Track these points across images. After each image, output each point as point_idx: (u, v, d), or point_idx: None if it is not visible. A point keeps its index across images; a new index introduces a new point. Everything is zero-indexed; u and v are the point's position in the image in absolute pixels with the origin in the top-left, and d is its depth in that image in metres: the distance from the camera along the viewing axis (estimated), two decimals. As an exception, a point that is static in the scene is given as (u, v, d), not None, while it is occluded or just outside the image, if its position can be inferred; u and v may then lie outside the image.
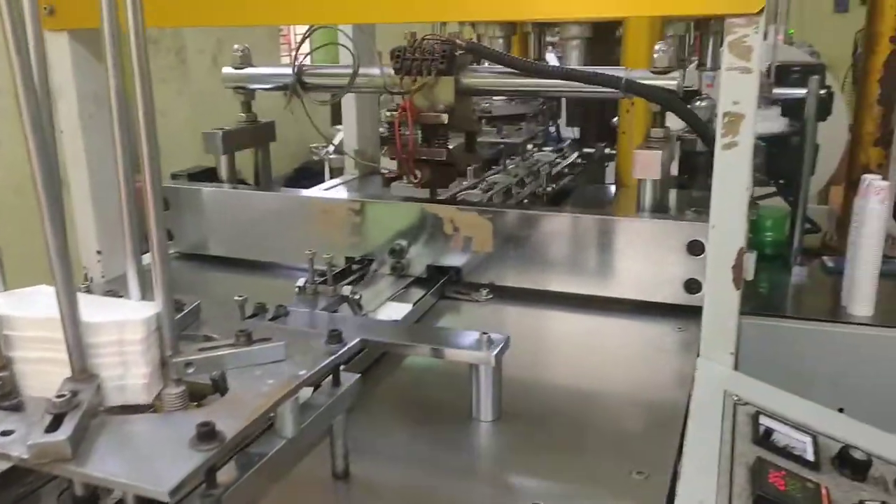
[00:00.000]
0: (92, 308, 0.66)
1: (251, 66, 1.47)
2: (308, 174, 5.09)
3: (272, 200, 1.40)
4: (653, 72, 1.14)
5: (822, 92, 1.94)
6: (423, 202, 1.28)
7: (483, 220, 1.24)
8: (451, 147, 1.26)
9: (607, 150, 2.19)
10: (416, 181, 1.28)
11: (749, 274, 1.00)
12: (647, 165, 1.14)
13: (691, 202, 1.44)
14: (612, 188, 2.00)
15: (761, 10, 0.89)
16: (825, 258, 2.13)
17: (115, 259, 1.37)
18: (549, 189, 1.70)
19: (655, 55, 1.13)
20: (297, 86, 1.37)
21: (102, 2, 0.68)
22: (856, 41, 4.81)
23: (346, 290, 1.09)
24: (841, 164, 2.77)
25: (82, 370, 0.64)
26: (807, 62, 2.08)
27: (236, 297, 0.92)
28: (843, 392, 1.74)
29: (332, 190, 1.91)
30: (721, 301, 1.00)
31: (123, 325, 0.65)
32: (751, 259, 1.00)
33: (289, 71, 1.38)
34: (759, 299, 1.77)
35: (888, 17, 2.03)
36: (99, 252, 1.35)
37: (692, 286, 1.14)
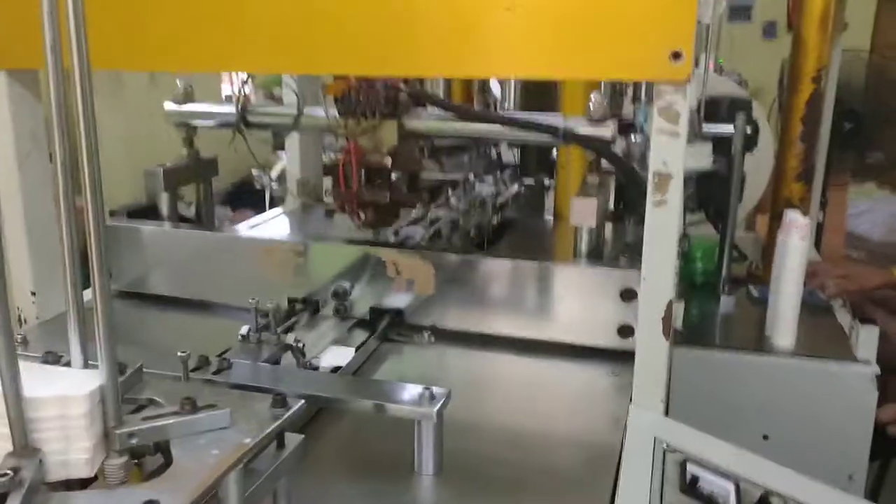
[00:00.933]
0: (34, 379, 0.66)
1: (194, 101, 1.47)
2: (247, 190, 5.04)
3: (214, 240, 1.40)
4: (588, 121, 1.19)
5: (749, 129, 2.04)
6: (366, 244, 1.30)
7: (425, 264, 1.26)
8: (394, 187, 1.29)
9: (546, 182, 2.24)
10: (359, 222, 1.30)
11: (678, 323, 1.05)
12: (583, 214, 1.19)
13: (626, 242, 1.50)
14: (551, 220, 2.05)
15: (688, 79, 0.95)
16: (751, 287, 2.23)
17: (50, 298, 1.35)
18: (491, 223, 1.74)
19: (591, 105, 1.18)
20: (241, 124, 1.38)
21: (46, 44, 0.68)
22: (782, 68, 5.03)
23: (290, 338, 1.10)
24: (767, 190, 2.90)
25: (24, 445, 0.64)
26: (735, 95, 2.17)
27: (179, 353, 0.92)
28: (768, 420, 1.83)
29: (275, 221, 1.92)
30: (652, 351, 1.04)
31: (66, 401, 0.65)
32: (679, 308, 1.05)
33: (232, 109, 1.39)
34: (690, 329, 1.85)
35: (811, 58, 2.15)
36: (34, 293, 1.33)
37: (625, 331, 1.19)
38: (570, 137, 1.18)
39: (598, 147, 1.18)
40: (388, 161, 1.23)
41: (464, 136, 1.36)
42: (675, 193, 0.98)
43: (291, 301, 1.35)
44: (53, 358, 0.82)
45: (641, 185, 1.16)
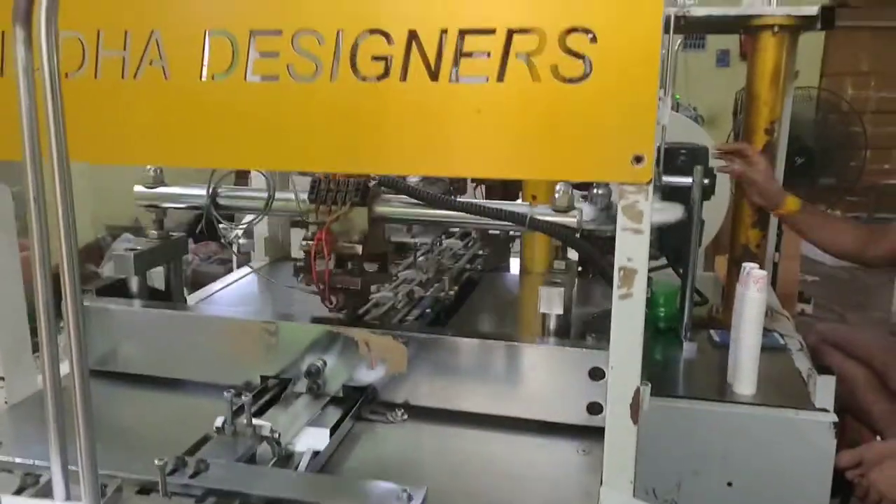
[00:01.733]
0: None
1: (164, 185, 1.47)
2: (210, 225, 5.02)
3: (184, 319, 1.40)
4: (554, 210, 1.22)
5: (706, 181, 2.10)
6: (338, 325, 1.32)
7: (396, 344, 1.28)
8: (364, 272, 1.31)
9: (511, 233, 2.28)
10: (331, 306, 1.32)
11: (645, 406, 1.08)
12: (551, 302, 1.22)
13: (592, 314, 1.54)
14: (517, 276, 2.09)
15: (650, 181, 0.99)
16: (712, 332, 2.30)
17: (18, 382, 1.34)
18: (456, 284, 1.77)
19: (556, 194, 1.22)
20: (212, 207, 1.39)
21: (24, 136, 0.69)
22: (737, 100, 5.19)
23: (265, 429, 1.11)
24: (725, 223, 2.99)
25: None
26: (691, 145, 2.24)
27: (157, 461, 0.92)
28: (732, 467, 1.89)
29: (244, 282, 1.92)
30: (621, 434, 1.08)
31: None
32: (646, 392, 1.09)
33: (202, 192, 1.39)
34: (654, 378, 1.90)
35: (763, 112, 2.23)
36: (2, 378, 1.32)
37: (594, 408, 1.22)
38: (536, 225, 1.21)
39: (563, 235, 1.22)
40: (359, 249, 1.25)
41: (433, 221, 1.38)
42: (640, 286, 1.02)
43: (264, 378, 1.36)
44: (32, 480, 0.82)
45: (607, 272, 1.20)
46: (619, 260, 1.02)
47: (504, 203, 1.25)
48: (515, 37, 0.98)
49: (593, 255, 1.23)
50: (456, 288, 1.75)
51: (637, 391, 1.06)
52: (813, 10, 2.12)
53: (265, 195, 1.36)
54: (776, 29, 2.15)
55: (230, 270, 2.33)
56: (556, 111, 0.99)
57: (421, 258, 1.81)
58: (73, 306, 0.71)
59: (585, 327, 1.32)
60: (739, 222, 2.37)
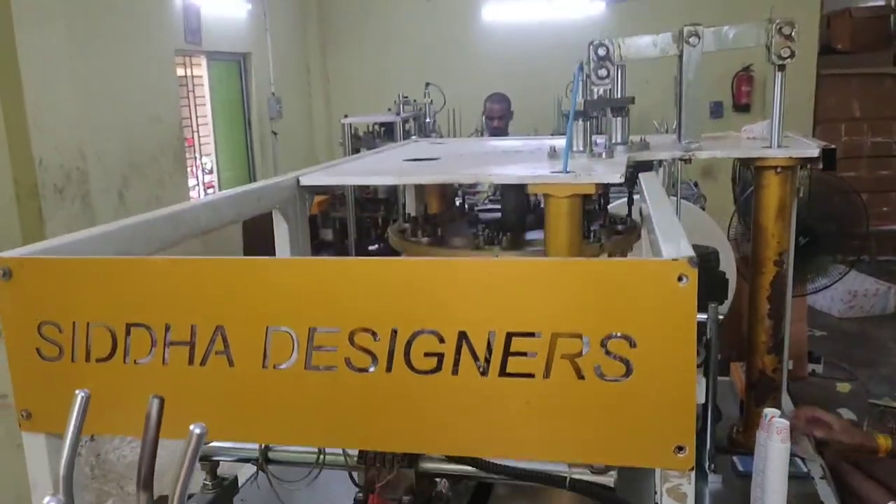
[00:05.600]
0: None
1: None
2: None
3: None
4: (592, 472, 1.31)
5: (717, 311, 2.16)
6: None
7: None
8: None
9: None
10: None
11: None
12: None
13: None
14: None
15: (692, 468, 1.06)
16: (735, 459, 2.35)
17: None
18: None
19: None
20: (264, 462, 1.44)
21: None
22: (734, 167, 5.28)
23: None
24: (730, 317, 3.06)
25: None
26: (702, 249, 2.27)
27: None
28: None
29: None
30: None
31: None
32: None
33: (255, 446, 1.45)
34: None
35: (771, 244, 2.31)
36: None
37: None
38: (577, 487, 1.30)
39: (601, 495, 1.31)
40: (408, 504, 1.32)
41: (477, 479, 1.45)
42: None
43: None
44: None
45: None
46: (667, 528, 1.09)
47: (544, 465, 1.32)
48: (559, 340, 1.06)
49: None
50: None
51: None
52: (815, 152, 2.20)
53: (315, 450, 1.41)
54: (779, 169, 2.24)
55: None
56: (600, 405, 1.07)
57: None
58: None
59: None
60: (754, 347, 2.43)
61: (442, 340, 1.10)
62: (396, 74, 8.12)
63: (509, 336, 1.08)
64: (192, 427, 0.71)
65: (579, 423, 1.08)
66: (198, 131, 7.08)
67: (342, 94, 8.82)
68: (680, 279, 1.02)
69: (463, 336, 1.09)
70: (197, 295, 1.17)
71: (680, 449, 1.05)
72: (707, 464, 2.31)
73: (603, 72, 1.82)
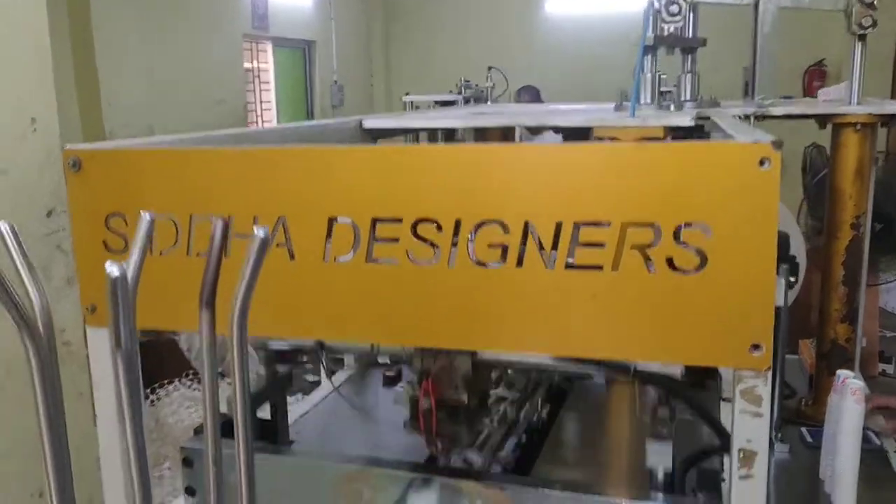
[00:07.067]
0: None
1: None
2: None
3: (280, 462, 1.44)
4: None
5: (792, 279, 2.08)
6: (436, 473, 1.32)
7: (503, 496, 1.30)
8: (468, 415, 1.34)
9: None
10: (436, 451, 1.36)
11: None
12: (660, 457, 1.23)
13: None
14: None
15: (769, 368, 1.00)
16: (804, 430, 2.25)
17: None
18: (548, 402, 1.78)
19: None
20: (320, 350, 1.44)
21: None
22: (805, 156, 5.10)
23: None
24: (801, 297, 2.94)
25: None
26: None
27: None
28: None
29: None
30: None
31: None
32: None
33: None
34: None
35: (848, 206, 2.21)
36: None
37: (708, 572, 1.22)
38: (641, 376, 1.23)
39: (670, 386, 1.24)
40: (465, 399, 1.29)
41: (537, 367, 1.41)
42: (761, 469, 1.03)
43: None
44: None
45: (721, 432, 1.21)
46: (738, 441, 1.03)
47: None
48: (630, 230, 1.01)
49: (702, 409, 1.24)
50: (548, 406, 1.77)
51: (757, 567, 1.06)
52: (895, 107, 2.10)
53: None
54: (858, 126, 2.14)
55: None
56: (672, 300, 1.01)
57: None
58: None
59: (694, 482, 1.32)
60: (827, 316, 2.33)
61: (507, 231, 1.06)
62: (457, 66, 8.13)
63: (577, 226, 1.03)
64: (255, 229, 0.70)
65: (648, 318, 1.03)
66: (261, 116, 7.21)
67: (403, 83, 8.89)
68: (762, 163, 0.96)
69: (529, 226, 1.05)
70: (259, 185, 1.16)
71: (756, 347, 1.00)
72: (774, 433, 2.23)
73: (675, 7, 1.77)
